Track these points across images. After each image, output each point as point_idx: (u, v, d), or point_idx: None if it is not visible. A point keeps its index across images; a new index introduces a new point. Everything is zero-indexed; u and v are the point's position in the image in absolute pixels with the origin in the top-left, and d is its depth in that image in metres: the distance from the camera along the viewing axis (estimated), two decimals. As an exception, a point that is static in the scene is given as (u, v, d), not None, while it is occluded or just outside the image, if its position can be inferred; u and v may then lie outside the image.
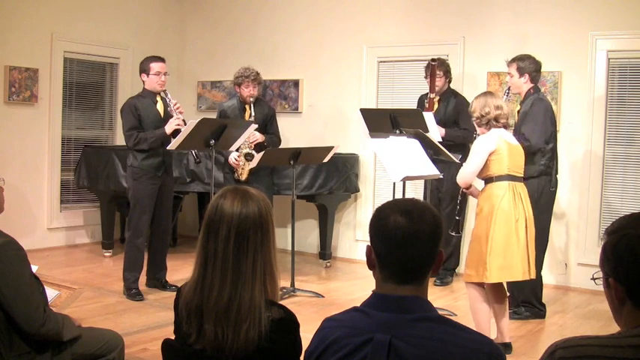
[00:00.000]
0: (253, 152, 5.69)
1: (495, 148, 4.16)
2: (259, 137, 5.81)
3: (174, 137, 5.31)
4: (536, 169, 4.93)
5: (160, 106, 5.51)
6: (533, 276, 4.27)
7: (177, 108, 5.44)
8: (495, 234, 4.13)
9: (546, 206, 5.07)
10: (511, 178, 4.19)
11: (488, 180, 4.23)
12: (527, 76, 5.04)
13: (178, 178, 6.55)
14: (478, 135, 4.35)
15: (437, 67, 5.92)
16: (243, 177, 5.80)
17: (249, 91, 5.86)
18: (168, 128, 5.36)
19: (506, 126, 4.29)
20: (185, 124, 5.27)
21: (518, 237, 4.14)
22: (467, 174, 4.26)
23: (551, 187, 5.11)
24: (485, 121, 4.24)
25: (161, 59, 5.52)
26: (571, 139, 6.00)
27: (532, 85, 5.08)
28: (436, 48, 5.98)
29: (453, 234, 4.80)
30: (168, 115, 5.49)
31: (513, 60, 5.10)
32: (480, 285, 4.22)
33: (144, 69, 5.47)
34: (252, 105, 5.90)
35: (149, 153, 5.40)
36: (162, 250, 5.68)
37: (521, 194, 4.22)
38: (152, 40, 7.86)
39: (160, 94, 5.50)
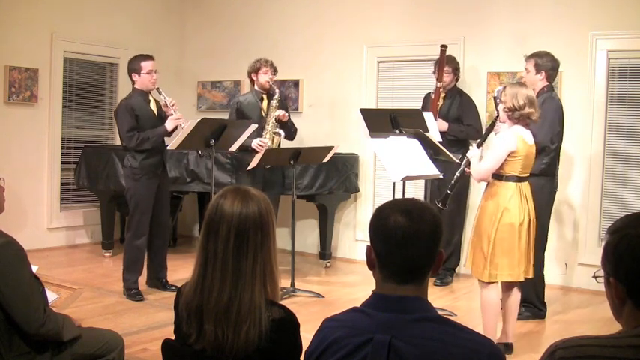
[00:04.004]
0: (280, 131, 5.83)
1: (515, 149, 4.09)
2: (285, 113, 5.84)
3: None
4: (537, 167, 4.88)
5: (153, 105, 5.47)
6: (530, 275, 4.25)
7: (174, 105, 5.41)
8: (499, 234, 4.10)
9: (545, 206, 5.04)
10: (519, 179, 4.16)
11: (497, 177, 4.18)
12: (543, 73, 5.00)
13: (178, 178, 6.55)
14: (500, 122, 4.24)
15: (447, 64, 5.92)
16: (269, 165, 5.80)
17: (267, 76, 5.85)
18: (170, 125, 5.35)
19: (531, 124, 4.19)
20: (184, 119, 5.33)
21: (520, 241, 4.11)
22: (484, 171, 4.20)
23: (554, 187, 5.10)
24: (517, 115, 4.10)
25: (151, 57, 5.46)
26: (571, 139, 5.99)
27: (547, 83, 5.03)
28: (436, 48, 5.97)
29: (439, 205, 4.59)
30: (160, 113, 5.48)
31: (532, 56, 5.06)
32: (493, 283, 4.18)
33: (134, 68, 5.41)
34: (267, 96, 5.90)
35: (149, 152, 5.38)
36: (162, 248, 5.67)
37: (526, 194, 4.19)
38: (152, 40, 7.86)
39: (151, 92, 5.47)
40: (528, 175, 4.26)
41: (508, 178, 4.14)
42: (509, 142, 4.10)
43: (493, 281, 4.17)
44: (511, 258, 4.12)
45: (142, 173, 5.37)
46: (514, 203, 4.11)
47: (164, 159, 5.57)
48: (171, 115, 5.39)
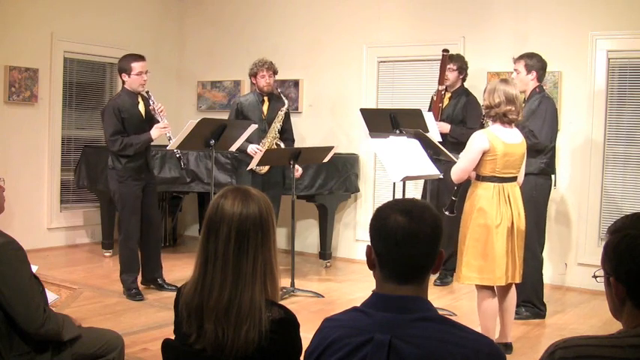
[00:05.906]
0: (281, 143, 5.85)
1: (489, 147, 4.01)
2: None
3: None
4: (536, 166, 4.90)
5: (141, 107, 5.37)
6: (517, 280, 4.16)
7: (162, 111, 5.30)
8: (472, 234, 4.04)
9: (544, 204, 5.07)
10: (500, 179, 4.06)
11: (476, 177, 4.13)
12: (534, 73, 5.00)
13: (178, 178, 6.54)
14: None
15: (451, 61, 5.92)
16: (264, 171, 5.82)
17: (265, 80, 5.84)
18: (154, 134, 5.25)
19: (513, 122, 4.10)
20: (170, 128, 5.27)
21: (497, 243, 4.00)
22: (458, 171, 4.14)
23: (553, 185, 5.12)
24: (492, 113, 4.05)
25: (142, 58, 5.34)
26: (571, 139, 6.00)
27: (538, 83, 5.05)
28: (436, 48, 5.97)
29: (447, 213, 4.54)
30: (149, 115, 5.37)
31: (521, 57, 5.06)
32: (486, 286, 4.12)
33: (124, 69, 5.29)
34: (268, 98, 5.90)
35: (132, 156, 5.28)
36: (156, 248, 5.62)
37: (510, 195, 4.07)
38: (152, 40, 7.87)
39: (141, 94, 5.37)
40: (514, 175, 4.14)
41: (485, 178, 4.07)
42: (479, 141, 4.03)
43: (485, 284, 4.09)
44: (487, 261, 4.02)
45: (127, 175, 5.31)
46: (491, 204, 4.01)
47: (148, 162, 5.46)
48: (159, 122, 5.27)
